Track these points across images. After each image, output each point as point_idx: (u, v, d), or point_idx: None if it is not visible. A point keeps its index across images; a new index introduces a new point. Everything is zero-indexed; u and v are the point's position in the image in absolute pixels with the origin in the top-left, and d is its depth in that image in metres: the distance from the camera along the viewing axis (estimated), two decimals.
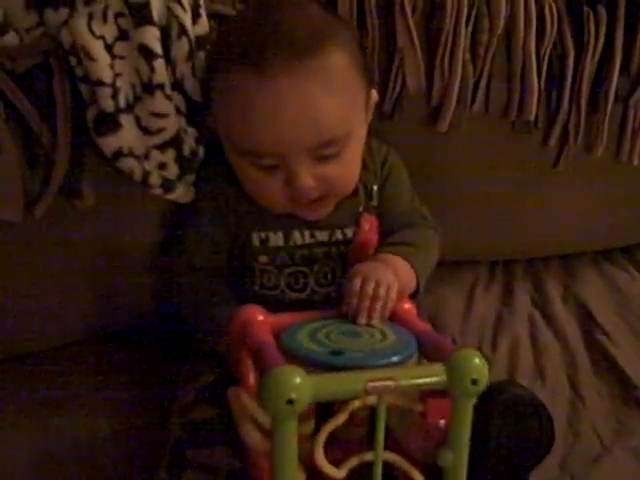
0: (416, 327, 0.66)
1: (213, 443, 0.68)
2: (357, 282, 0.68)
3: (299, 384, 0.52)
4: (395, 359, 0.59)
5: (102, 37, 0.71)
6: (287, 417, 0.52)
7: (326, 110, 0.69)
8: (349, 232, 0.81)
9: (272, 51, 0.67)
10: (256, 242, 0.80)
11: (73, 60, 0.72)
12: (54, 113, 0.75)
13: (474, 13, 0.88)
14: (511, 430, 0.60)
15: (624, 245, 1.16)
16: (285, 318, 0.67)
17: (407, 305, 0.70)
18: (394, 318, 0.69)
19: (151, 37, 0.72)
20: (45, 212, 0.78)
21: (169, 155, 0.77)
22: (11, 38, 0.70)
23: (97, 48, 0.71)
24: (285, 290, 0.81)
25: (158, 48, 0.72)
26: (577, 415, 0.87)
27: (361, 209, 0.81)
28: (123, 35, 0.72)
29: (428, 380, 0.57)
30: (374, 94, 0.80)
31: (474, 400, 0.58)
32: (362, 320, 0.67)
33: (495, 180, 1.01)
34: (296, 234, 0.80)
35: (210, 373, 0.77)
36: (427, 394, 0.58)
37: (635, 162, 1.02)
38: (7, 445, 0.78)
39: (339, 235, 0.81)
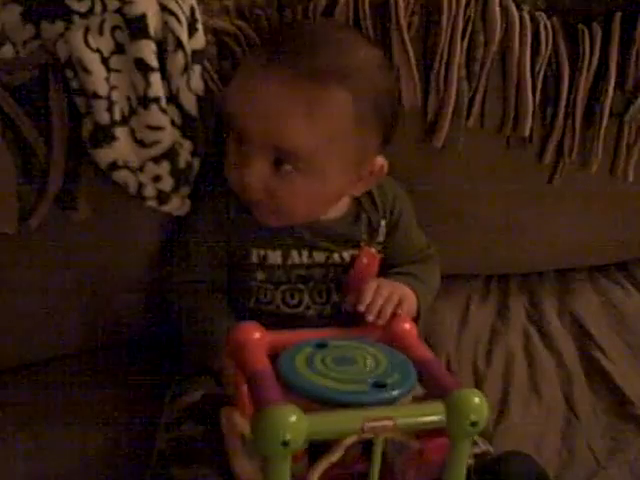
0: (416, 353, 0.65)
1: (199, 461, 0.68)
2: (374, 284, 0.74)
3: (294, 424, 0.51)
4: (395, 393, 0.58)
5: (98, 50, 0.72)
6: (281, 458, 0.51)
7: (294, 127, 0.70)
8: (346, 256, 0.82)
9: (291, 51, 0.71)
10: (255, 259, 0.80)
11: (69, 73, 0.72)
12: (50, 126, 0.75)
13: (469, 29, 0.88)
14: None
15: (620, 260, 1.16)
16: (282, 336, 0.66)
17: (407, 325, 0.69)
18: (394, 339, 0.68)
19: (147, 51, 0.72)
20: (40, 224, 0.78)
21: (164, 167, 0.77)
22: (7, 50, 0.70)
23: (93, 61, 0.71)
24: (280, 305, 0.81)
25: (154, 62, 0.73)
26: (572, 431, 0.87)
27: (362, 243, 0.83)
28: (119, 48, 0.73)
29: (426, 419, 0.57)
30: (377, 162, 0.79)
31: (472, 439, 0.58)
32: (371, 317, 0.71)
33: (490, 195, 1.01)
34: (294, 253, 0.81)
35: (197, 390, 0.76)
36: (425, 431, 0.58)
37: (630, 178, 1.02)
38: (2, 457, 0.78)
39: (337, 258, 0.82)
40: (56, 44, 0.72)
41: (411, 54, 0.86)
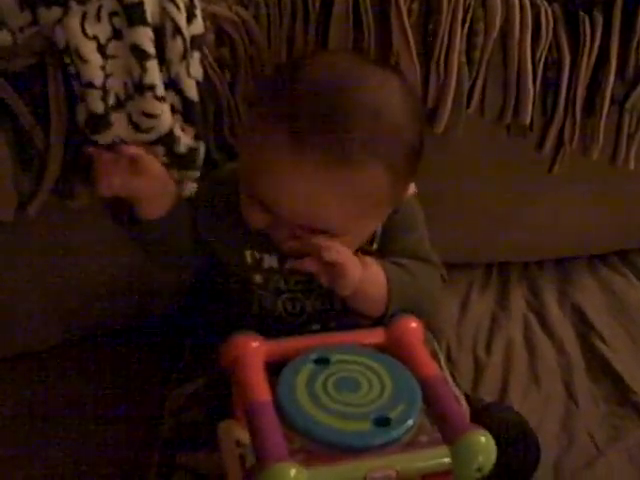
0: (422, 370, 0.62)
1: (203, 447, 0.68)
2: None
3: (294, 478, 0.50)
4: (399, 433, 0.56)
5: (95, 37, 0.71)
6: None
7: (330, 213, 0.67)
8: None
9: (318, 135, 0.64)
10: (249, 260, 0.77)
11: (67, 58, 0.72)
12: (48, 113, 0.75)
13: (470, 16, 0.88)
14: (499, 454, 0.59)
15: (620, 249, 1.16)
16: (280, 345, 0.64)
17: (414, 324, 0.67)
18: (399, 347, 0.65)
19: (144, 37, 0.72)
20: (39, 211, 0.78)
21: (159, 150, 0.76)
22: (4, 37, 0.69)
23: (89, 50, 0.71)
24: (283, 314, 0.79)
25: (151, 48, 0.72)
26: (572, 419, 0.87)
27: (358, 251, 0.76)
28: (117, 34, 0.72)
29: (431, 465, 0.56)
30: (412, 187, 0.77)
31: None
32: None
33: (491, 183, 1.01)
34: (291, 260, 0.76)
35: (200, 377, 0.76)
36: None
37: (631, 166, 1.02)
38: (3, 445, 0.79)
39: None
40: (54, 30, 0.71)
41: (411, 41, 0.86)
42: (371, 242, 0.78)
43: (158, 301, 0.92)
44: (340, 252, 0.67)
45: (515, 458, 0.73)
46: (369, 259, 0.72)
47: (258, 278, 0.78)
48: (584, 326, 1.01)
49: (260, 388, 0.58)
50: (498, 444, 0.57)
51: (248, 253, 0.77)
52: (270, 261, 0.77)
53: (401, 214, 0.78)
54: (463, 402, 0.80)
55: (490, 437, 0.56)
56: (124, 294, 0.90)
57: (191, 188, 0.80)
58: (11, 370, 0.87)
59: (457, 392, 0.80)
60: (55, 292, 0.87)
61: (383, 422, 0.56)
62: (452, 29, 0.87)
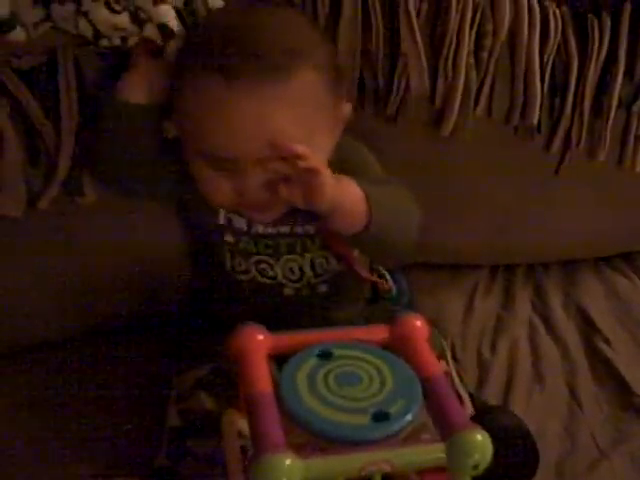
0: (425, 368, 0.61)
1: (211, 433, 0.68)
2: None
3: (290, 472, 0.51)
4: (397, 428, 0.56)
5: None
6: None
7: (283, 129, 0.68)
8: (310, 229, 0.79)
9: (242, 61, 0.67)
10: (222, 219, 0.79)
11: (105, 42, 0.72)
12: (58, 110, 0.75)
13: (478, 17, 0.88)
14: (498, 458, 0.59)
15: (626, 251, 1.15)
16: (284, 339, 0.64)
17: (418, 322, 0.66)
18: (403, 344, 0.64)
19: None
20: (48, 207, 0.78)
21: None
22: (18, 33, 0.69)
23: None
24: (257, 275, 0.81)
25: None
26: (575, 421, 0.87)
27: None
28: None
29: (426, 461, 0.56)
30: (346, 108, 0.77)
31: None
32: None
33: (497, 185, 1.01)
34: (257, 225, 0.79)
35: (207, 363, 0.77)
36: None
37: (638, 168, 1.02)
38: (6, 440, 0.79)
39: (299, 229, 0.79)
40: (78, 26, 0.71)
41: (419, 41, 0.86)
42: None
43: (161, 297, 0.92)
44: (313, 157, 0.66)
45: (514, 463, 0.73)
46: (341, 175, 0.70)
47: (229, 237, 0.79)
48: (589, 328, 1.01)
49: (261, 379, 0.58)
50: (498, 448, 0.56)
51: (222, 212, 0.78)
52: (239, 222, 0.79)
53: (352, 160, 0.78)
54: (468, 402, 0.80)
55: (487, 435, 0.56)
56: (127, 291, 0.90)
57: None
58: (15, 365, 0.88)
59: (462, 391, 0.80)
60: (58, 289, 0.87)
61: (382, 417, 0.56)
62: (460, 30, 0.87)
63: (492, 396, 0.88)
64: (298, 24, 0.74)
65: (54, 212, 0.80)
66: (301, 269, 0.81)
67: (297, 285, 0.82)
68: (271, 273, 0.81)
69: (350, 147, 0.80)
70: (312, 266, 0.81)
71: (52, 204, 0.79)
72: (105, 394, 0.84)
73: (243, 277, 0.81)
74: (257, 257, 0.80)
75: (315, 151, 0.68)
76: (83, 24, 0.71)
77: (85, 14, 0.70)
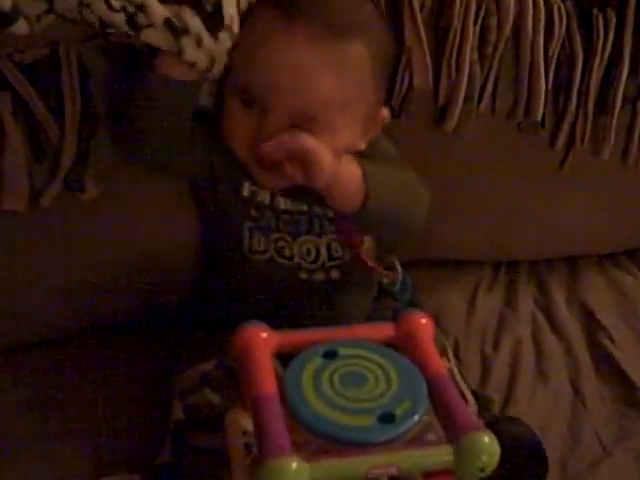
0: (430, 367, 0.61)
1: (215, 428, 0.68)
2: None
3: (295, 473, 0.50)
4: (403, 429, 0.55)
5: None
6: None
7: (321, 87, 0.70)
8: (329, 211, 0.80)
9: (311, 11, 0.69)
10: (246, 192, 0.79)
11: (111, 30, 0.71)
12: (61, 104, 0.74)
13: (482, 12, 0.88)
14: (507, 467, 0.59)
15: (629, 248, 1.15)
16: (289, 337, 0.64)
17: (424, 320, 0.66)
18: (409, 343, 0.64)
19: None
20: (51, 203, 0.78)
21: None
22: (21, 25, 0.68)
23: None
24: (274, 255, 0.81)
25: None
26: (578, 418, 0.87)
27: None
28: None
29: (433, 464, 0.56)
30: (384, 112, 0.78)
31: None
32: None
33: (500, 181, 1.00)
34: (279, 199, 0.79)
35: (211, 358, 0.77)
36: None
37: None
38: (6, 439, 0.79)
39: (318, 210, 0.80)
40: (83, 16, 0.70)
41: (423, 37, 0.86)
42: None
43: (163, 294, 0.92)
44: (309, 138, 0.68)
45: (523, 473, 0.73)
46: (343, 156, 0.72)
47: (253, 212, 0.80)
48: (592, 325, 1.01)
49: (266, 380, 0.58)
50: (508, 458, 0.57)
51: (246, 185, 0.79)
52: (263, 195, 0.79)
53: (376, 153, 0.79)
54: (470, 398, 0.80)
55: (494, 437, 0.55)
56: (128, 288, 0.89)
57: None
58: (17, 362, 0.88)
59: (465, 389, 0.80)
60: (59, 286, 0.86)
61: (388, 418, 0.55)
62: (464, 25, 0.87)
63: (495, 394, 0.88)
64: (370, 4, 0.77)
65: (55, 208, 0.80)
66: (317, 250, 0.81)
67: (312, 267, 0.82)
68: (288, 253, 0.81)
69: (377, 144, 0.80)
70: (328, 249, 0.81)
71: (53, 200, 0.79)
72: (106, 392, 0.84)
73: (261, 257, 0.81)
74: (277, 235, 0.80)
75: (333, 134, 0.71)
76: (87, 13, 0.70)
77: (87, 6, 0.69)
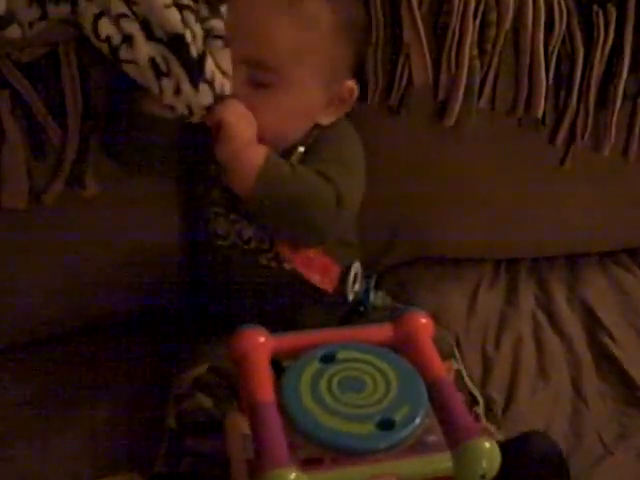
0: (430, 371, 0.60)
1: (210, 432, 0.68)
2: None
3: None
4: (402, 435, 0.55)
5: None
6: None
7: (276, 38, 0.72)
8: None
9: None
10: (213, 172, 0.79)
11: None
12: (61, 102, 0.74)
13: (482, 7, 0.87)
14: None
15: (630, 246, 1.14)
16: (286, 341, 0.63)
17: (423, 320, 0.65)
18: (408, 344, 0.64)
19: None
20: (54, 201, 0.78)
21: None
22: (14, 30, 0.68)
23: None
24: (236, 240, 0.80)
25: None
26: (580, 417, 0.87)
27: None
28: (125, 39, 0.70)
29: (433, 470, 0.56)
30: (351, 83, 0.79)
31: None
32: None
33: (501, 177, 1.00)
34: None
35: (203, 363, 0.77)
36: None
37: None
38: (6, 439, 0.78)
39: None
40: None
41: (422, 32, 0.85)
42: (287, 157, 0.77)
43: (161, 293, 0.92)
44: (233, 113, 0.70)
45: None
46: (260, 146, 0.73)
47: (215, 193, 0.80)
48: (593, 324, 1.00)
49: (264, 388, 0.58)
50: (536, 474, 0.58)
51: (212, 165, 0.78)
52: None
53: (336, 137, 0.80)
54: (480, 399, 0.80)
55: (495, 443, 0.55)
56: (126, 286, 0.89)
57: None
58: (16, 361, 0.88)
59: (475, 391, 0.80)
60: (58, 285, 0.86)
61: (387, 425, 0.55)
62: (464, 20, 0.86)
63: (497, 393, 0.88)
64: None
65: (54, 207, 0.79)
66: (271, 238, 0.80)
67: (268, 255, 0.81)
68: (246, 235, 0.81)
69: (338, 133, 0.81)
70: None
71: (56, 199, 0.79)
72: (106, 391, 0.84)
73: (224, 243, 0.81)
74: (235, 215, 0.80)
75: (299, 92, 0.74)
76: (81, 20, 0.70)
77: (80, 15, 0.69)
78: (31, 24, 0.69)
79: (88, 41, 0.72)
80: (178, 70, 0.69)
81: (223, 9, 0.71)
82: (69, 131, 0.75)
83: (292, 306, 0.83)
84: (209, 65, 0.70)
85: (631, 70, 0.94)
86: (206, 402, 0.73)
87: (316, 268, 0.80)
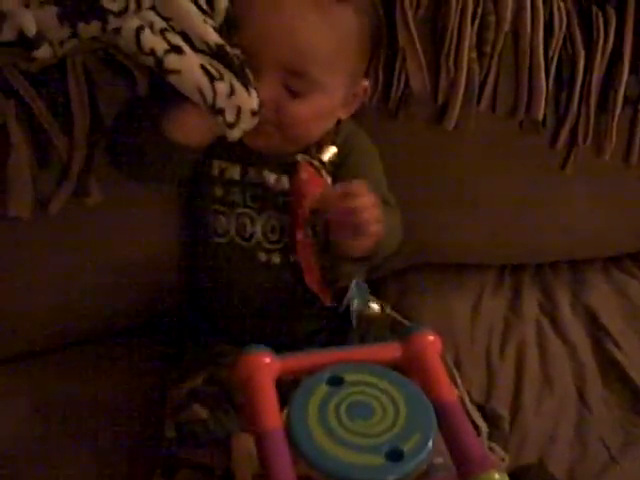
0: (440, 395, 0.60)
1: (207, 443, 0.68)
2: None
3: None
4: (412, 467, 0.54)
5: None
6: None
7: (317, 45, 0.73)
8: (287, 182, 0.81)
9: None
10: (215, 171, 0.80)
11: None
12: (67, 112, 0.74)
13: (480, 10, 0.87)
14: None
15: (634, 251, 1.14)
16: (292, 362, 0.63)
17: (431, 337, 0.64)
18: (417, 365, 0.63)
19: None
20: (59, 210, 0.78)
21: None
22: (45, 50, 0.69)
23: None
24: (235, 238, 0.81)
25: None
26: (585, 425, 0.86)
27: (299, 158, 0.79)
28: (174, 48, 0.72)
29: None
30: (365, 83, 0.82)
31: None
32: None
33: (502, 182, 0.99)
34: (252, 170, 0.80)
35: (201, 373, 0.77)
36: None
37: None
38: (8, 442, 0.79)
39: (285, 184, 0.80)
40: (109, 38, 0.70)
41: (416, 38, 0.85)
42: (319, 152, 0.80)
43: (164, 298, 0.91)
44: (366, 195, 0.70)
45: None
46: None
47: (218, 191, 0.80)
48: (597, 330, 1.00)
49: (270, 414, 0.57)
50: None
51: (216, 163, 0.80)
52: (232, 172, 0.80)
53: (351, 145, 0.83)
54: (481, 424, 0.79)
55: (505, 475, 0.54)
56: (128, 292, 0.89)
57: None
58: (23, 367, 0.87)
59: (476, 416, 0.79)
60: (61, 292, 0.86)
61: (396, 456, 0.54)
62: (462, 23, 0.87)
63: (502, 401, 0.88)
64: None
65: (57, 214, 0.79)
66: (282, 229, 0.81)
67: (272, 247, 0.81)
68: (250, 231, 0.81)
69: (355, 130, 0.84)
70: (291, 229, 0.80)
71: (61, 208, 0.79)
72: (108, 400, 0.83)
73: (221, 240, 0.81)
74: (241, 209, 0.80)
75: (329, 94, 0.76)
76: (114, 38, 0.71)
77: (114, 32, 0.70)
78: (62, 43, 0.70)
79: (96, 52, 0.73)
80: (229, 75, 0.72)
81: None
82: (75, 141, 0.75)
83: (288, 306, 0.82)
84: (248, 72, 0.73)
85: (631, 72, 0.94)
86: (202, 413, 0.73)
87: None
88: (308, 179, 0.77)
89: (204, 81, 0.70)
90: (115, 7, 0.69)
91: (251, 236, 0.81)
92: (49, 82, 0.73)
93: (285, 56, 0.73)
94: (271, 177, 0.80)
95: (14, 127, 0.73)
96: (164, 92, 0.73)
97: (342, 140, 0.82)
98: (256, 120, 0.73)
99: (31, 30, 0.67)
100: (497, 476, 0.54)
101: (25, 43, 0.67)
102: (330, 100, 0.77)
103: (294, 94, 0.75)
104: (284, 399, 0.58)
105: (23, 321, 0.86)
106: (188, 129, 0.73)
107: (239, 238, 0.81)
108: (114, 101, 0.76)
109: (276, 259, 0.81)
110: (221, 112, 0.71)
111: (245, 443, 0.62)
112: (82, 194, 0.78)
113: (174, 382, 0.80)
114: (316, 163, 0.79)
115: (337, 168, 0.81)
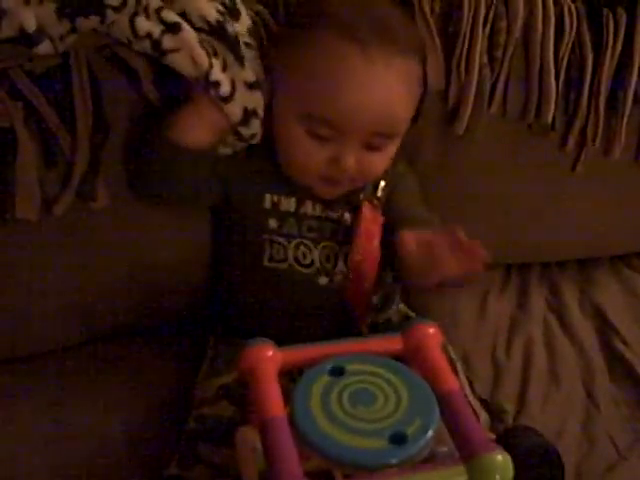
0: (441, 383, 0.60)
1: (225, 442, 0.68)
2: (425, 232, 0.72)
3: None
4: (415, 450, 0.54)
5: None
6: None
7: (401, 107, 0.76)
8: (347, 217, 0.82)
9: (377, 35, 0.72)
10: (267, 204, 0.81)
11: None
12: (73, 113, 0.75)
13: (491, 14, 0.87)
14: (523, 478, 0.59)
15: None
16: (294, 353, 0.63)
17: (431, 329, 0.65)
18: (418, 356, 0.63)
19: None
20: (64, 211, 0.78)
21: None
22: (46, 46, 0.69)
23: None
24: (293, 264, 0.81)
25: None
26: (592, 422, 0.86)
27: (362, 196, 0.81)
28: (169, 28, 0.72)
29: None
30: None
31: None
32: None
33: (512, 183, 1.00)
34: (308, 203, 0.81)
35: (233, 372, 0.76)
36: None
37: None
38: (24, 442, 0.79)
39: (347, 218, 0.82)
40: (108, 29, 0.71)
41: (436, 37, 0.86)
42: (375, 191, 0.82)
43: (173, 299, 0.92)
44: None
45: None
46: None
47: (273, 223, 0.81)
48: (605, 328, 1.00)
49: (274, 402, 0.57)
50: (523, 470, 0.56)
51: (267, 197, 0.80)
52: (287, 204, 0.81)
53: (399, 171, 0.85)
54: (482, 413, 0.79)
55: (508, 456, 0.55)
56: (139, 295, 0.89)
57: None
58: (19, 369, 0.87)
59: (475, 404, 0.79)
60: (73, 291, 0.86)
61: (399, 439, 0.54)
62: (474, 27, 0.87)
63: (508, 398, 0.88)
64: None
65: (65, 216, 0.79)
66: (336, 257, 0.82)
67: (331, 273, 0.82)
68: (309, 259, 0.81)
69: (398, 169, 0.85)
70: (345, 259, 0.82)
71: (66, 209, 0.79)
72: (119, 399, 0.84)
73: (280, 266, 0.81)
74: (299, 240, 0.81)
75: (399, 141, 0.79)
76: (112, 30, 0.72)
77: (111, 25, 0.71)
78: (62, 38, 0.70)
79: (99, 51, 0.74)
80: (224, 52, 0.73)
81: None
82: (79, 140, 0.75)
83: (329, 328, 0.83)
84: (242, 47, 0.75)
85: None
86: (227, 411, 0.73)
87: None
88: (372, 218, 0.80)
89: (202, 54, 0.71)
90: (115, 2, 0.69)
91: (311, 263, 0.81)
92: (54, 82, 0.73)
93: (379, 125, 0.74)
94: (333, 214, 0.82)
95: (21, 128, 0.73)
96: (165, 99, 0.74)
97: (388, 173, 0.83)
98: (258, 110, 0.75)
99: (31, 26, 0.67)
100: (500, 457, 0.54)
101: (26, 40, 0.68)
102: (398, 143, 0.80)
103: (374, 149, 0.76)
104: (286, 395, 0.58)
105: (38, 323, 0.86)
106: (188, 128, 0.73)
107: (298, 265, 0.81)
108: (118, 101, 0.77)
109: (338, 278, 0.82)
110: (216, 85, 0.72)
111: (250, 437, 0.62)
112: (88, 197, 0.78)
113: (204, 377, 0.80)
114: (375, 201, 0.82)
115: (388, 200, 0.83)
